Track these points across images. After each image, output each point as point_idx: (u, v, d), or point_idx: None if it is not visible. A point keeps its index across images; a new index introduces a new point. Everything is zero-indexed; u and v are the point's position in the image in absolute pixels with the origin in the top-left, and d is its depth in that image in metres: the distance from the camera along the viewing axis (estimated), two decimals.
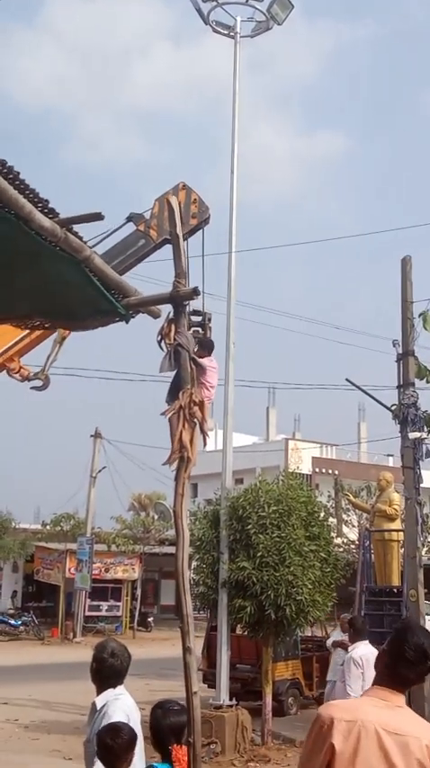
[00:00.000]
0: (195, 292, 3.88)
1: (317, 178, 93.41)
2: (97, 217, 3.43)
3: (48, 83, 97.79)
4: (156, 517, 36.35)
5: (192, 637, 3.44)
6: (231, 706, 12.33)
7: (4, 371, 10.85)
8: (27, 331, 10.84)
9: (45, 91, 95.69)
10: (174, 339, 3.88)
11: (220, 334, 13.53)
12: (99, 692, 4.89)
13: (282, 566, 11.76)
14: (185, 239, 11.11)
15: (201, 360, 11.13)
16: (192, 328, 11.32)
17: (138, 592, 33.77)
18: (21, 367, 10.79)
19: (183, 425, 3.71)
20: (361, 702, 3.15)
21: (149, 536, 34.91)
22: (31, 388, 10.08)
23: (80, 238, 3.62)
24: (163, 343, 3.95)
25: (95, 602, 32.53)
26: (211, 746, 11.70)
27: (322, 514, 13.51)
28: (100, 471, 31.82)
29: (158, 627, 34.48)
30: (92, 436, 32.19)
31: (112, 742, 3.87)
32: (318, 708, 3.15)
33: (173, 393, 3.88)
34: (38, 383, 10.00)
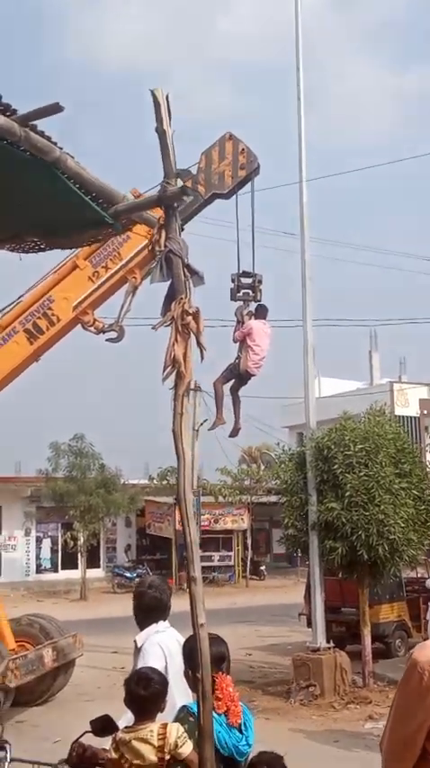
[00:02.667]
0: (184, 192, 3.52)
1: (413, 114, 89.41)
2: (56, 108, 3.12)
3: (134, 40, 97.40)
4: (263, 467, 36.37)
5: (197, 566, 3.17)
6: (329, 648, 12.12)
7: (79, 325, 10.85)
8: (99, 283, 10.80)
9: (131, 48, 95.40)
10: (165, 246, 3.53)
11: (296, 270, 13.07)
12: (141, 628, 4.76)
13: (372, 505, 11.35)
14: (235, 192, 10.75)
15: (255, 322, 10.76)
16: (242, 290, 11.00)
17: (249, 541, 33.97)
18: (95, 319, 10.73)
19: (176, 338, 3.38)
20: None
21: (258, 486, 35.00)
22: (107, 340, 9.99)
23: (47, 138, 3.32)
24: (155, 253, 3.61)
25: (207, 553, 32.99)
26: (310, 689, 11.58)
27: (415, 452, 12.93)
28: (202, 424, 31.91)
29: (271, 575, 34.73)
30: (192, 390, 32.27)
31: (144, 691, 3.72)
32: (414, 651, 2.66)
33: (166, 305, 3.55)
34: (113, 335, 9.89)
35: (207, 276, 3.82)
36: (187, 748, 3.52)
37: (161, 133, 3.57)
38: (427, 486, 12.43)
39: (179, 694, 4.13)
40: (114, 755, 3.63)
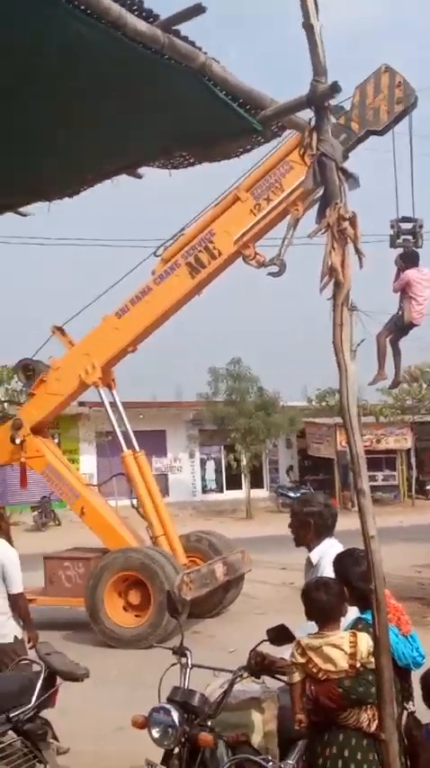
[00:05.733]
0: (334, 89, 3.26)
1: None
2: (199, 9, 2.95)
3: None
4: (425, 386, 35.39)
5: (365, 478, 3.08)
6: None
7: (240, 258, 10.79)
8: (260, 216, 10.63)
9: None
10: (317, 149, 3.30)
11: None
12: (313, 546, 4.70)
13: None
14: (391, 128, 10.06)
15: (411, 271, 10.15)
16: (402, 236, 10.37)
17: (414, 460, 33.40)
18: (256, 253, 10.65)
19: (332, 246, 3.19)
20: None
21: (421, 405, 34.17)
22: (268, 274, 9.91)
23: (192, 43, 3.16)
24: (306, 157, 3.39)
25: (371, 473, 32.40)
26: None
27: None
28: (359, 344, 31.25)
29: None
30: (348, 308, 31.63)
31: (326, 596, 3.69)
32: None
33: (321, 211, 3.35)
34: (274, 269, 9.83)
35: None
36: None
37: (308, 28, 3.29)
38: None
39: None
40: (301, 660, 3.64)
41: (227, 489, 34.92)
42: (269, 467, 35.79)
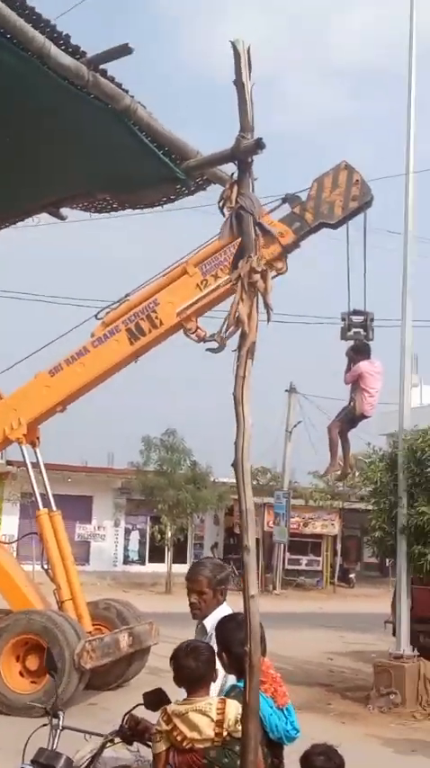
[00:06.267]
0: (258, 145, 3.31)
1: None
2: (125, 50, 2.97)
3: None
4: (358, 474, 35.67)
5: (252, 535, 2.97)
6: (413, 657, 11.62)
7: (181, 330, 10.79)
8: (206, 291, 10.69)
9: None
10: (236, 202, 3.32)
11: (398, 267, 12.60)
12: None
13: None
14: (344, 223, 10.41)
15: (363, 363, 10.39)
16: (353, 329, 10.63)
17: (339, 547, 33.37)
18: (198, 327, 10.66)
19: (241, 296, 3.18)
20: None
21: (351, 492, 34.35)
22: (207, 349, 9.89)
23: (118, 85, 3.17)
24: (224, 209, 3.42)
25: (295, 557, 32.66)
26: (391, 697, 11.13)
27: None
28: (295, 426, 31.63)
29: (360, 584, 34.00)
30: (286, 391, 32.03)
31: (195, 662, 3.51)
32: None
33: (235, 264, 3.36)
34: (214, 345, 9.80)
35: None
36: None
37: (239, 86, 3.36)
38: None
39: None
40: (166, 727, 3.43)
41: (149, 562, 34.25)
42: (194, 542, 35.29)
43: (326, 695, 11.96)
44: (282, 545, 30.91)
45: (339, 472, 11.28)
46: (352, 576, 34.31)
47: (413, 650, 11.78)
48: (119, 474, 33.43)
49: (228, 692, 3.53)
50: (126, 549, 34.78)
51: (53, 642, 9.96)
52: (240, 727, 3.20)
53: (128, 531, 34.78)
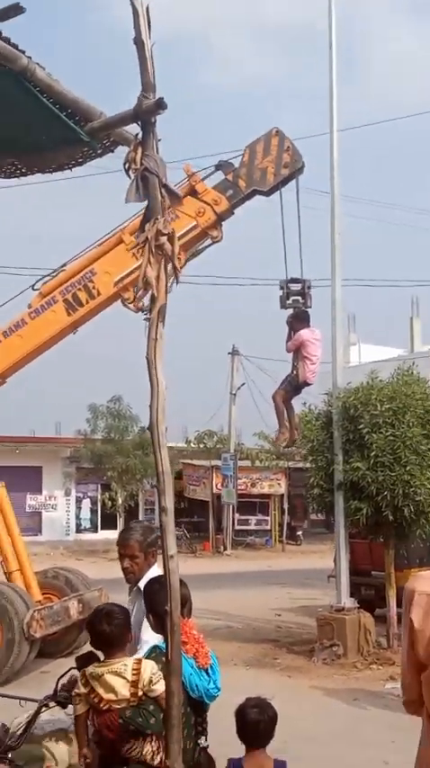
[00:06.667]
0: (159, 105, 3.35)
1: None
2: (17, 9, 2.98)
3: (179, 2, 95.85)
4: (301, 433, 36.15)
5: (170, 497, 3.13)
6: (353, 609, 12.07)
7: (119, 300, 10.74)
8: (142, 260, 10.60)
9: (175, 11, 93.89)
10: (141, 163, 3.36)
11: (326, 226, 12.73)
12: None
13: (398, 465, 11.17)
14: (277, 190, 10.40)
15: (304, 331, 10.50)
16: (292, 297, 10.71)
17: (286, 506, 33.99)
18: (135, 297, 10.60)
19: (149, 260, 3.25)
20: None
21: (296, 451, 34.85)
22: (145, 319, 9.90)
23: (14, 46, 3.17)
24: (130, 172, 3.45)
25: (244, 517, 33.19)
26: (333, 648, 11.56)
27: None
28: (239, 388, 31.91)
29: (308, 540, 34.73)
30: (229, 353, 32.22)
31: (108, 626, 3.65)
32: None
33: (142, 226, 3.42)
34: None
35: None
36: (161, 686, 3.40)
37: (139, 44, 3.35)
38: None
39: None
40: (83, 690, 3.57)
41: (101, 529, 34.42)
42: (145, 507, 35.55)
43: (274, 650, 12.34)
44: (231, 506, 31.36)
45: (288, 438, 11.52)
46: (299, 533, 35.00)
47: (354, 602, 12.23)
48: (67, 443, 33.38)
49: (149, 653, 3.66)
50: (78, 517, 34.87)
51: (2, 613, 10.11)
52: (155, 687, 3.37)
53: (79, 500, 34.85)
